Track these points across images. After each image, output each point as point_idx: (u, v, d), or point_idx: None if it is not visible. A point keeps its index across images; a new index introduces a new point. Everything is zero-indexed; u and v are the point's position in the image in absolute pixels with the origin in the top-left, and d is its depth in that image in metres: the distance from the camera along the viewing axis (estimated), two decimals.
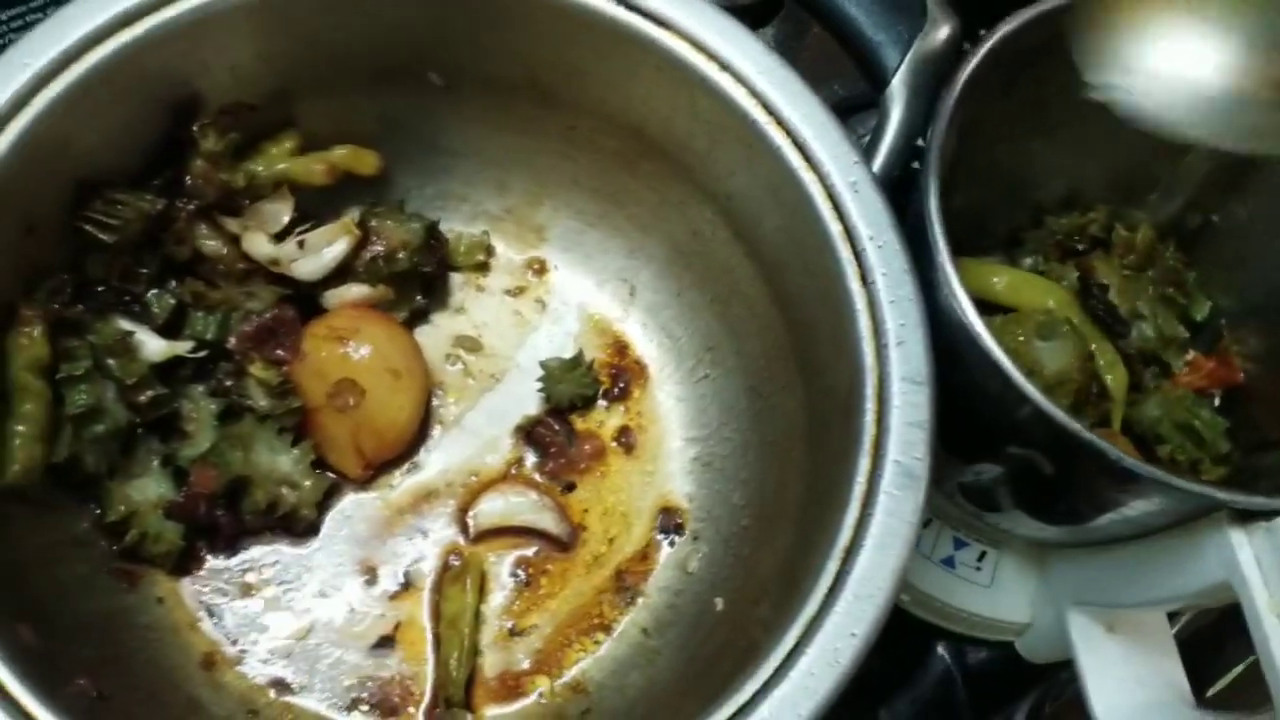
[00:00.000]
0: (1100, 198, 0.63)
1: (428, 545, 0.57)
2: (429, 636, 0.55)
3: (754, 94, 0.51)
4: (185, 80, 0.53)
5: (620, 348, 0.63)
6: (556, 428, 0.60)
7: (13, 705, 0.40)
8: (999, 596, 0.63)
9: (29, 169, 0.48)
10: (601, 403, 0.61)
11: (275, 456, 0.54)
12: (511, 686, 0.55)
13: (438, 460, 0.59)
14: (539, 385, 0.61)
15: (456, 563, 0.57)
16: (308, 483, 0.55)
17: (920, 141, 0.51)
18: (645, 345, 0.63)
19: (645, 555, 0.58)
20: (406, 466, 0.59)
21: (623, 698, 0.54)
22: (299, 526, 0.56)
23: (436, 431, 0.60)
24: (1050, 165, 0.62)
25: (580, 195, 0.63)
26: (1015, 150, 0.60)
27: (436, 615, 0.55)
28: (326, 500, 0.57)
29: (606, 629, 0.56)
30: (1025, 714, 0.72)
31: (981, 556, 0.63)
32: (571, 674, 0.55)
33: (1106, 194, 0.63)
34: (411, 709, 0.53)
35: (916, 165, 0.53)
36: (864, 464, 0.45)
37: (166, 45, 0.51)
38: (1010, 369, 0.45)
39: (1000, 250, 0.64)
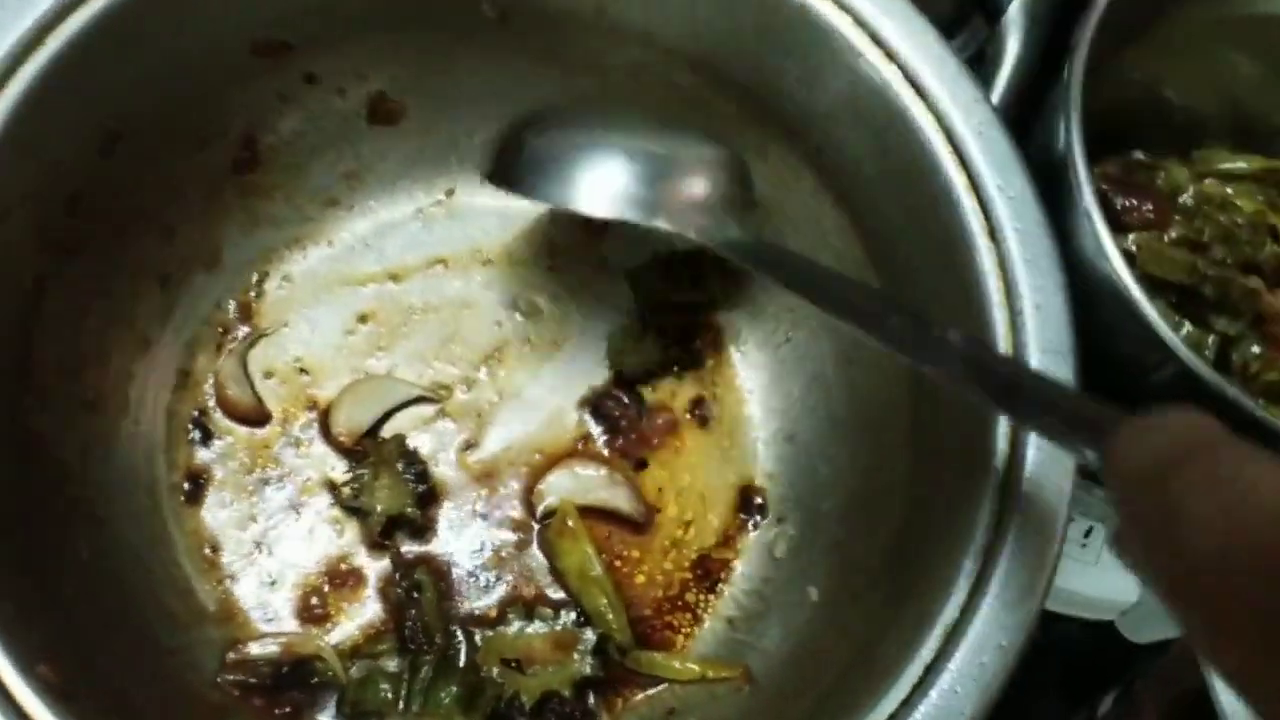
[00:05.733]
0: (1218, 138, 0.57)
1: (494, 530, 0.52)
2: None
3: (859, 22, 0.45)
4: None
5: (690, 309, 0.57)
6: (625, 400, 0.55)
7: None
8: (1106, 575, 0.58)
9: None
10: (674, 369, 0.56)
11: None
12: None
13: (498, 436, 0.54)
14: (603, 357, 0.55)
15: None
16: None
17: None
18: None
19: (727, 539, 0.53)
20: (463, 444, 0.54)
21: (712, 698, 0.49)
22: None
23: (495, 404, 0.54)
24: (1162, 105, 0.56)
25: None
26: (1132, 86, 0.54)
27: (558, 577, 0.51)
28: None
29: (690, 620, 0.51)
30: (1116, 694, 0.68)
31: (1088, 532, 0.57)
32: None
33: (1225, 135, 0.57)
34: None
35: None
36: (1000, 448, 0.39)
37: None
38: (1173, 338, 0.39)
39: None
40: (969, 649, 0.37)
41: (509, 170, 0.46)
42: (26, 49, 0.42)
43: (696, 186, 0.43)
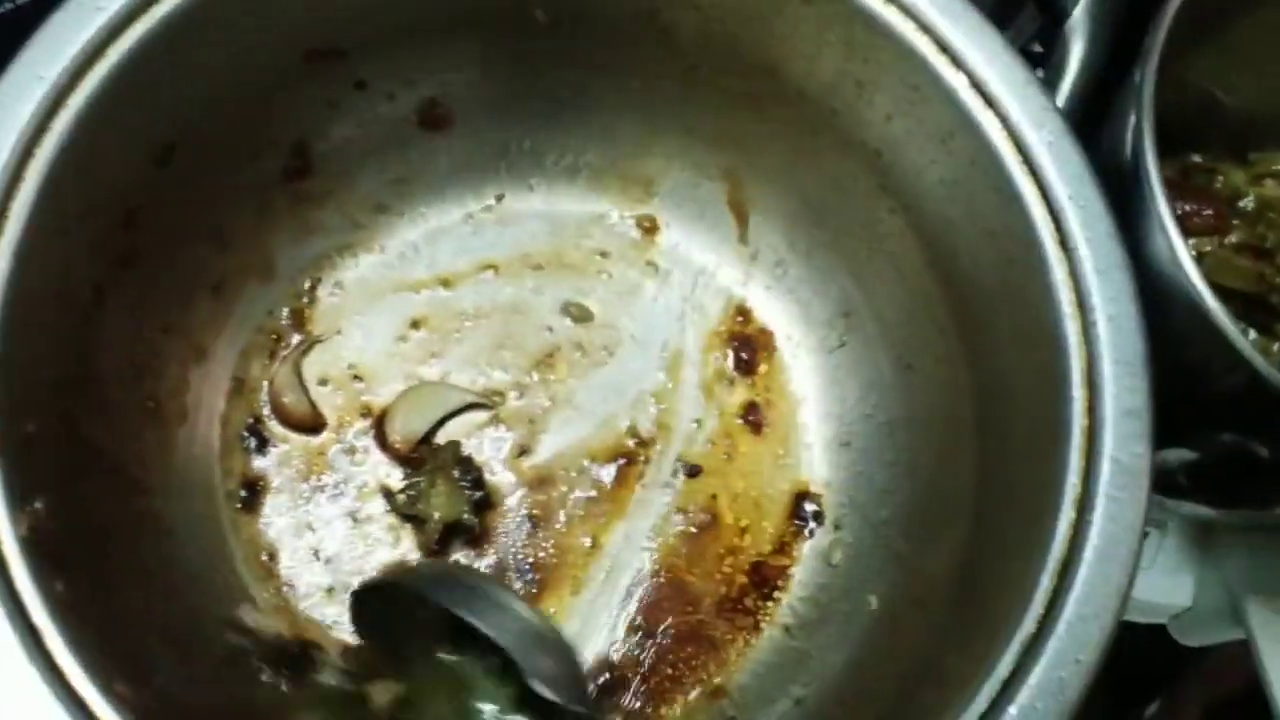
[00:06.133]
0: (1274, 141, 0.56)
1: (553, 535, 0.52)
2: None
3: (925, 29, 0.44)
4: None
5: (742, 314, 0.57)
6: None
7: None
8: (1159, 579, 0.58)
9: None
10: (732, 371, 0.56)
11: None
12: (645, 693, 0.50)
13: (551, 442, 0.54)
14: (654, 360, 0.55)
15: None
16: None
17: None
18: (770, 311, 0.57)
19: (782, 546, 0.53)
20: (517, 449, 0.53)
21: (770, 706, 0.49)
22: None
23: (548, 410, 0.54)
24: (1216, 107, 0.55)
25: (695, 144, 0.56)
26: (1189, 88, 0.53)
27: None
28: None
29: (750, 625, 0.51)
30: (1162, 697, 0.68)
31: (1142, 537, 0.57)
32: (710, 677, 0.50)
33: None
34: None
35: None
36: (1075, 460, 0.39)
37: None
38: (1248, 348, 0.39)
39: None
40: (1047, 664, 0.36)
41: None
42: (87, 61, 0.42)
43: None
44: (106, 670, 0.36)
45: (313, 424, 0.53)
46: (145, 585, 0.44)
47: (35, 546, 0.37)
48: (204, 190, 0.49)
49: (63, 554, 0.38)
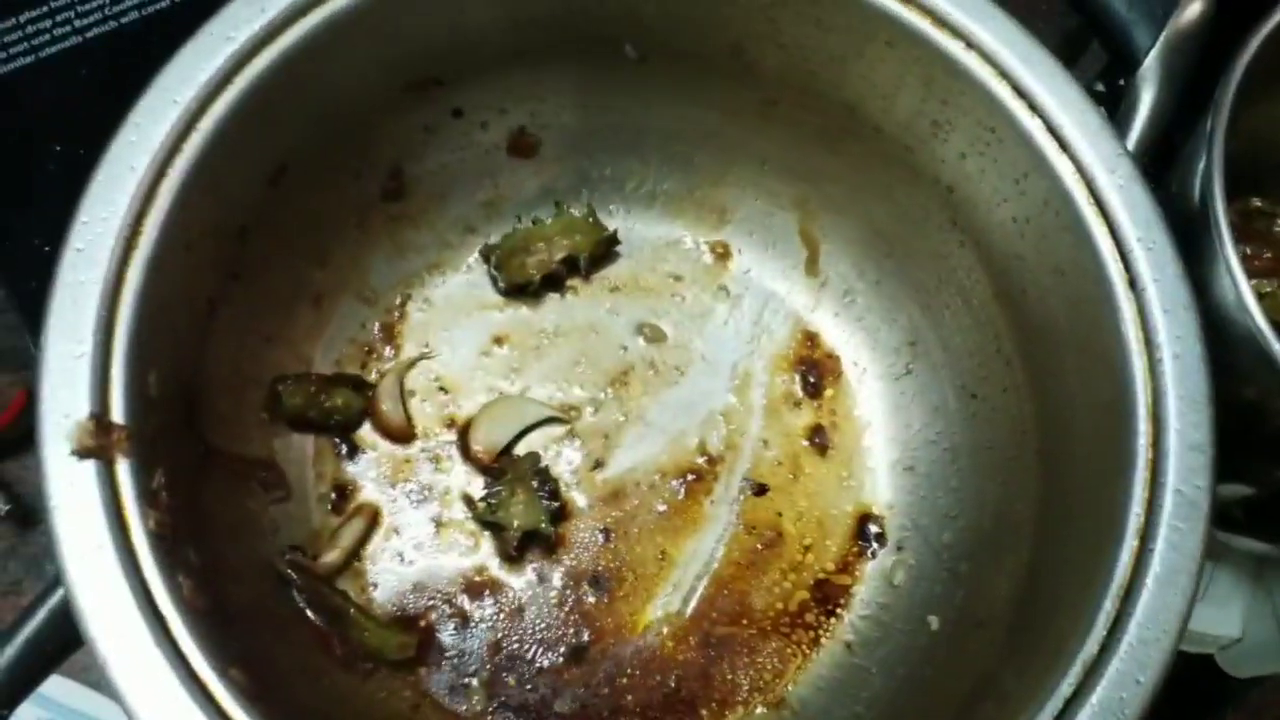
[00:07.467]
0: None
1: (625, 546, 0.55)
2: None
3: (1003, 74, 0.46)
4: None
5: (810, 339, 0.59)
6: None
7: None
8: (1210, 610, 0.59)
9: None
10: (799, 394, 0.58)
11: None
12: (709, 701, 0.52)
13: (624, 457, 0.56)
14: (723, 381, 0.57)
15: None
16: None
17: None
18: (837, 337, 0.59)
19: (845, 565, 0.55)
20: (591, 463, 0.56)
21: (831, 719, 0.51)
22: None
23: (621, 425, 0.57)
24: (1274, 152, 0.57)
25: (769, 174, 0.59)
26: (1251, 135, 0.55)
27: None
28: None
29: (811, 639, 0.53)
30: None
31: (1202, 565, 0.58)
32: (772, 689, 0.52)
33: None
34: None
35: None
36: (1139, 492, 0.41)
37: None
38: None
39: None
40: (1109, 684, 0.38)
41: None
42: (217, 88, 0.45)
43: None
44: (222, 655, 0.39)
45: (404, 435, 0.55)
46: (251, 580, 0.47)
47: (160, 540, 0.40)
48: (308, 209, 0.52)
49: (181, 548, 0.41)
